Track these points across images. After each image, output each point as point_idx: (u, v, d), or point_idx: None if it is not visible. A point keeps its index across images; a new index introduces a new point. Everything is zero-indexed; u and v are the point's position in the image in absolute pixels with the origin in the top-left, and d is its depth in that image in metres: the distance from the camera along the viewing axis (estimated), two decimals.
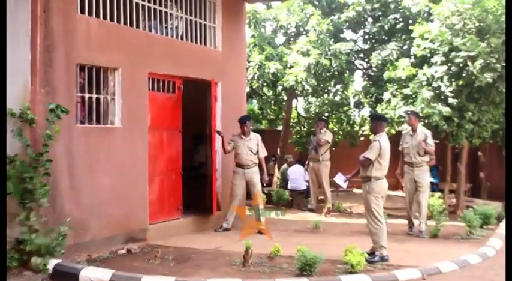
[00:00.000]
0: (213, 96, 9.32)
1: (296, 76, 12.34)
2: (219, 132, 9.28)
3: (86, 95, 7.25)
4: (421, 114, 10.51)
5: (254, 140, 9.21)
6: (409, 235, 9.05)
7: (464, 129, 10.80)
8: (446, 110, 10.43)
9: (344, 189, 8.35)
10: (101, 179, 7.27)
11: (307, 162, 12.44)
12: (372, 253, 7.16)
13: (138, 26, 8.09)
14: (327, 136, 11.94)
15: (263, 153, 9.34)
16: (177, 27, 8.94)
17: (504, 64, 10.25)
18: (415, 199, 9.24)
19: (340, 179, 7.86)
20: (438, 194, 11.32)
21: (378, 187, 7.20)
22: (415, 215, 9.30)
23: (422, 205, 9.11)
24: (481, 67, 10.13)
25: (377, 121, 7.44)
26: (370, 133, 15.02)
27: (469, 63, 10.37)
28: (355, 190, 15.43)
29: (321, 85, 14.26)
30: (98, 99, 7.42)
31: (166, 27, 8.73)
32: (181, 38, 9.04)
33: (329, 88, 15.01)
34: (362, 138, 15.43)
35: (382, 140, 7.20)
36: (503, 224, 9.93)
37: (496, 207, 10.87)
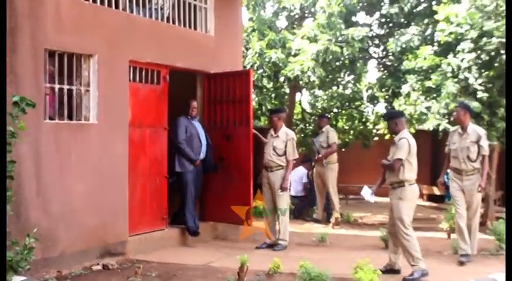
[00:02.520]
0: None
1: (302, 65, 12.36)
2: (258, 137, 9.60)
3: (56, 86, 7.26)
4: (445, 111, 10.57)
5: (282, 138, 9.20)
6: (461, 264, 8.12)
7: (495, 128, 10.82)
8: (475, 106, 10.43)
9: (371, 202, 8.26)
10: (73, 183, 7.29)
11: (312, 165, 12.47)
12: (391, 270, 7.29)
13: (117, 6, 8.10)
14: (331, 136, 11.96)
15: (291, 156, 9.22)
16: (162, 8, 8.97)
17: None
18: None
19: (367, 193, 7.89)
20: None
21: (412, 193, 7.30)
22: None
23: (473, 227, 8.40)
24: None
25: (395, 119, 7.53)
26: (385, 132, 15.19)
27: (502, 51, 10.41)
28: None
29: (330, 76, 14.30)
30: (70, 91, 7.44)
31: (150, 8, 8.75)
32: (168, 21, 9.07)
33: (339, 80, 15.06)
34: (376, 138, 15.48)
35: (409, 138, 7.32)
36: None
37: None
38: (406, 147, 7.23)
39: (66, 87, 7.37)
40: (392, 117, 7.67)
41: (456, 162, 8.40)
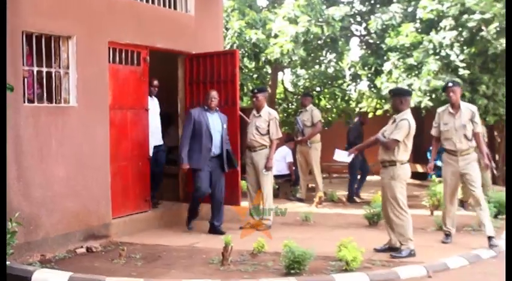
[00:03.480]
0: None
1: (281, 47, 12.35)
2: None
3: (35, 69, 7.23)
4: (427, 88, 10.65)
5: (265, 117, 9.18)
6: (443, 243, 8.10)
7: (477, 105, 10.94)
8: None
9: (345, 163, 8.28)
10: (54, 167, 7.28)
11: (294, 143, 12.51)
12: (389, 248, 7.37)
13: None
14: (315, 115, 12.01)
15: (275, 135, 9.20)
16: None
17: None
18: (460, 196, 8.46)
19: (341, 155, 7.93)
20: None
21: (404, 173, 7.33)
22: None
23: (482, 205, 7.89)
24: (496, 31, 10.24)
25: (401, 97, 7.45)
26: (368, 111, 15.29)
27: (483, 27, 10.48)
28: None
29: (312, 55, 14.31)
30: (49, 74, 7.41)
31: None
32: (147, 1, 9.01)
33: (321, 58, 15.08)
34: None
35: (411, 119, 7.31)
36: None
37: None
38: (406, 128, 7.22)
39: (44, 69, 7.33)
40: (399, 94, 7.57)
41: (450, 143, 8.00)
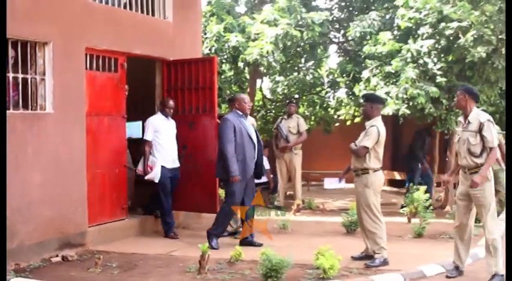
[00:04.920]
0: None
1: (261, 49, 12.39)
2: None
3: (11, 75, 7.21)
4: (404, 96, 10.74)
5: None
6: (448, 278, 6.90)
7: (454, 113, 11.07)
8: (433, 91, 10.63)
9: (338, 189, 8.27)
10: (29, 174, 7.27)
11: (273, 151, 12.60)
12: (366, 256, 7.40)
13: None
14: (302, 123, 12.18)
15: None
16: None
17: (500, 37, 10.56)
18: (470, 224, 6.78)
19: (331, 183, 7.95)
20: (424, 187, 11.60)
21: (378, 180, 7.40)
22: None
23: (491, 235, 6.46)
24: (473, 39, 10.38)
25: (373, 103, 7.50)
26: (347, 118, 15.40)
27: (460, 35, 10.62)
28: None
29: (291, 62, 14.38)
30: (24, 80, 7.39)
31: None
32: (125, 7, 9.04)
33: (300, 66, 15.16)
34: (337, 124, 15.69)
35: (380, 126, 7.35)
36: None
37: None
38: (375, 135, 7.27)
39: (20, 76, 7.31)
40: (370, 99, 7.60)
41: (460, 157, 6.75)
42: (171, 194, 9.05)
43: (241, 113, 8.39)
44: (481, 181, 6.41)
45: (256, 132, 8.52)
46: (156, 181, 8.79)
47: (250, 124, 8.50)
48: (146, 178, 8.83)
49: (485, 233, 6.52)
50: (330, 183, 7.97)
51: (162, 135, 8.95)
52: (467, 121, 6.66)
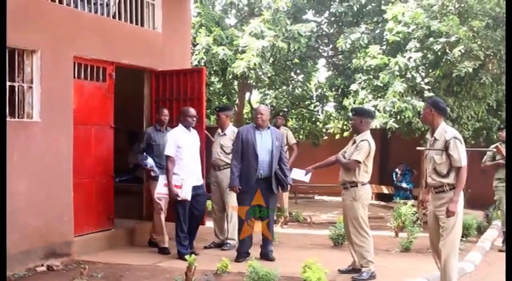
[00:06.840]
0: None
1: (248, 62, 12.45)
2: None
3: None
4: (392, 110, 10.82)
5: (229, 136, 9.04)
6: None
7: None
8: (420, 105, 10.71)
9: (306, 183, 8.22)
10: (15, 183, 7.21)
11: None
12: (353, 270, 7.38)
13: (61, 1, 8.09)
14: (290, 136, 12.19)
15: None
16: (108, 4, 8.95)
17: (487, 52, 10.70)
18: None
19: (298, 174, 7.96)
20: (411, 201, 11.68)
21: (366, 193, 7.40)
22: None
23: (448, 266, 6.18)
24: (460, 54, 10.48)
25: (362, 117, 7.46)
26: (335, 132, 15.49)
27: (447, 50, 10.74)
28: (317, 197, 15.71)
29: (280, 75, 14.46)
30: (12, 88, 7.38)
31: (95, 4, 8.73)
32: (114, 17, 9.06)
33: (289, 79, 15.25)
34: (326, 138, 15.77)
35: (371, 140, 7.36)
36: (484, 236, 10.34)
37: (476, 217, 11.27)
38: (366, 149, 7.27)
39: (8, 83, 7.29)
40: (361, 114, 7.56)
41: (427, 175, 6.42)
42: (202, 215, 8.64)
43: (255, 125, 8.29)
44: (455, 208, 6.03)
45: (273, 144, 8.19)
46: (189, 198, 8.12)
47: (268, 136, 8.23)
48: (179, 198, 8.06)
49: (442, 255, 6.15)
50: (296, 173, 7.92)
51: (184, 151, 8.18)
52: (433, 138, 6.30)
